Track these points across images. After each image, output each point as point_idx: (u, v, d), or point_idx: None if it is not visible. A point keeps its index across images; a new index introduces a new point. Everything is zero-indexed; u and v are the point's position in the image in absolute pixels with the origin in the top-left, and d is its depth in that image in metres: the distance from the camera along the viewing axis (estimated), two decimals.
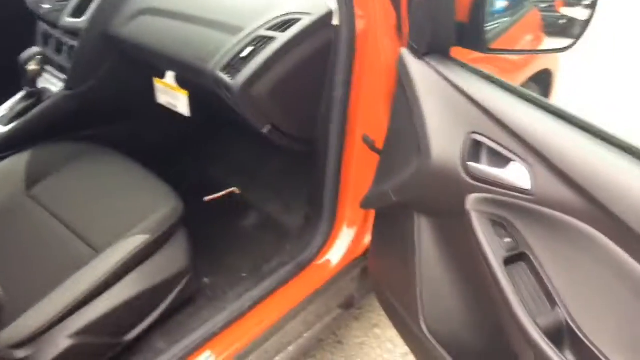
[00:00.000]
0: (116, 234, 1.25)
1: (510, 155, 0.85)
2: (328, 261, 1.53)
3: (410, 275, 1.14)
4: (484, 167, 0.90)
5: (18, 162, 1.44)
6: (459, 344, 1.09)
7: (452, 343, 1.10)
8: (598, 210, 0.75)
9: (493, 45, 1.13)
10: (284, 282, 1.44)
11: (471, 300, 1.04)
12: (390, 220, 1.22)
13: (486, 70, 0.96)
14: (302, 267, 1.48)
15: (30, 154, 1.46)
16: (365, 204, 1.25)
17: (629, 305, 0.76)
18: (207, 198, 1.87)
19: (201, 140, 2.00)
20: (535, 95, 0.87)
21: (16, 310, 1.13)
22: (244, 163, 1.98)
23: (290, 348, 1.43)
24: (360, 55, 1.25)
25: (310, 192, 1.56)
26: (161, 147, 1.81)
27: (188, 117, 1.51)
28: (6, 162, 1.46)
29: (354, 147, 1.39)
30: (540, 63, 1.66)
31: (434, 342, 1.11)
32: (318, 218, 1.52)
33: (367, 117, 1.33)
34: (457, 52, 1.01)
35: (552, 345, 0.80)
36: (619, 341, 0.77)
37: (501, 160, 0.87)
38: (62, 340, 1.12)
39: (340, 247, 1.54)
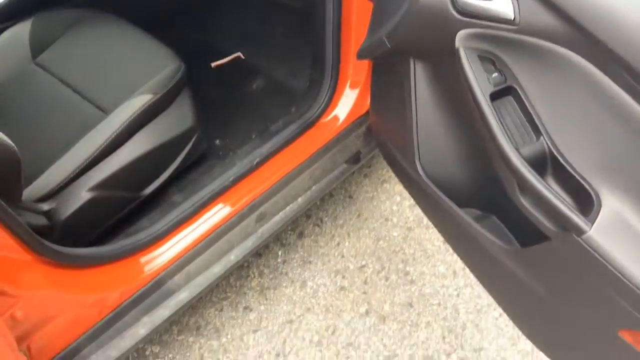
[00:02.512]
0: (122, 95, 1.29)
1: None
2: (333, 119, 1.56)
3: (407, 121, 1.16)
4: (473, 1, 0.87)
5: (21, 32, 1.46)
6: (452, 182, 1.14)
7: (446, 182, 1.15)
8: (578, 33, 0.74)
9: None
10: (290, 140, 1.49)
11: (463, 139, 1.08)
12: (386, 69, 1.23)
13: None
14: (307, 125, 1.52)
15: (32, 22, 1.47)
16: (362, 54, 1.24)
17: (607, 127, 0.78)
18: (213, 64, 1.88)
19: (204, 6, 1.96)
20: None
21: (36, 170, 1.22)
22: (247, 28, 1.95)
23: (300, 200, 1.52)
24: None
25: (312, 53, 1.55)
26: (162, 12, 1.79)
27: None
28: (8, 32, 1.47)
29: (352, 0, 1.36)
30: None
31: (429, 182, 1.17)
32: (321, 78, 1.53)
33: None
34: None
35: (533, 172, 0.84)
36: (598, 164, 0.81)
37: None
38: (83, 193, 1.22)
39: (344, 105, 1.56)
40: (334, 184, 1.63)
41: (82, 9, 1.52)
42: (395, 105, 1.21)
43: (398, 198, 1.84)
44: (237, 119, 1.70)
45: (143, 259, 1.22)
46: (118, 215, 1.32)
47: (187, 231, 1.27)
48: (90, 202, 1.21)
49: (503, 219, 1.05)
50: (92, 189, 1.22)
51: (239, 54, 1.90)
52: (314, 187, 1.54)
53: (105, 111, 1.30)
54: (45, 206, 1.18)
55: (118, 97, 1.30)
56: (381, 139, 1.41)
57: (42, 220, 1.16)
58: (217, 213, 1.31)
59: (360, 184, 1.91)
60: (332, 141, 1.55)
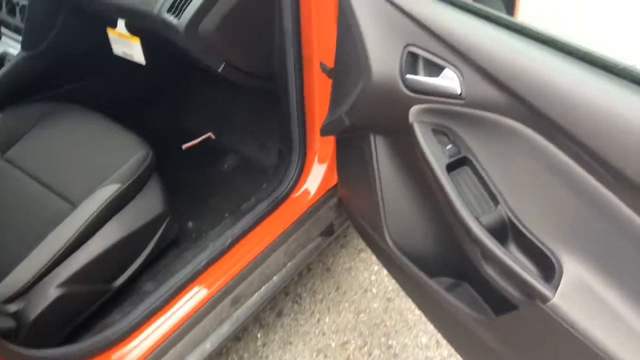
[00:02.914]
0: (91, 187, 1.29)
1: (442, 62, 0.87)
2: (304, 193, 1.57)
3: (373, 194, 1.18)
4: (420, 78, 0.91)
5: None
6: (422, 252, 1.14)
7: (416, 252, 1.15)
8: (521, 105, 0.77)
9: None
10: (262, 217, 1.49)
11: (428, 209, 1.09)
12: (350, 144, 1.25)
13: None
14: (279, 201, 1.53)
15: (1, 118, 1.49)
16: (324, 132, 1.28)
17: (559, 194, 0.80)
18: (184, 146, 1.90)
19: (171, 89, 2.01)
20: (462, 1, 0.88)
21: (3, 268, 1.19)
22: (216, 108, 2.00)
23: (275, 278, 1.50)
24: None
25: (280, 128, 1.58)
26: (131, 99, 1.82)
27: (153, 67, 1.51)
28: None
29: (314, 78, 1.40)
30: None
31: (399, 254, 1.17)
32: (289, 153, 1.55)
33: (323, 45, 1.33)
34: None
35: (494, 240, 0.84)
36: (557, 229, 0.82)
37: (435, 68, 0.89)
38: (51, 290, 1.19)
39: (314, 178, 1.58)
40: (309, 259, 1.62)
41: (50, 102, 1.55)
42: (361, 179, 1.23)
43: (376, 267, 1.83)
44: (210, 200, 1.71)
45: (114, 355, 1.18)
46: (89, 311, 1.29)
47: (159, 322, 1.24)
48: (59, 300, 1.18)
49: (475, 287, 1.05)
50: (61, 285, 1.19)
51: (210, 134, 1.94)
52: (289, 264, 1.53)
53: (73, 204, 1.30)
54: (12, 307, 1.15)
55: (86, 188, 1.30)
56: (351, 211, 1.42)
57: (9, 323, 1.13)
58: (190, 300, 1.28)
59: (338, 255, 1.90)
60: (305, 215, 1.55)
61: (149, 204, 1.36)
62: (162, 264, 1.44)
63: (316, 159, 1.57)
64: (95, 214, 1.25)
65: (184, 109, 1.99)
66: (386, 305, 1.73)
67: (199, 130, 1.93)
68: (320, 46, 1.33)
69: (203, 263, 1.36)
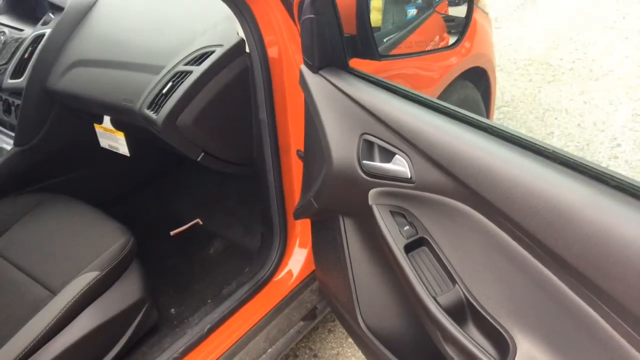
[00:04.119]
0: (71, 275, 1.32)
1: (393, 149, 0.92)
2: (286, 276, 1.58)
3: (345, 277, 1.19)
4: (375, 164, 0.96)
5: None
6: (396, 335, 1.14)
7: (390, 336, 1.15)
8: (464, 188, 0.81)
9: (394, 52, 1.21)
10: (243, 302, 1.49)
11: (396, 292, 1.10)
12: (321, 227, 1.29)
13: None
14: (260, 285, 1.54)
15: None
16: (297, 215, 1.32)
17: (508, 274, 0.81)
18: (172, 232, 1.94)
19: (158, 177, 2.08)
20: (412, 92, 0.94)
21: None
22: (204, 193, 2.06)
23: None
24: (278, 77, 1.33)
25: (261, 213, 1.63)
26: (119, 188, 1.89)
27: (138, 158, 1.59)
28: None
29: (291, 164, 1.46)
30: (465, 63, 1.74)
31: (372, 338, 1.16)
32: (271, 236, 1.58)
33: (299, 134, 1.40)
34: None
35: (453, 323, 0.85)
36: (509, 308, 0.83)
37: (388, 155, 0.94)
38: None
39: (296, 262, 1.59)
40: (291, 344, 1.59)
41: (40, 193, 1.61)
42: (333, 261, 1.25)
43: None
44: (194, 285, 1.72)
45: None
46: None
47: None
48: None
49: None
50: None
51: (198, 220, 1.98)
52: (269, 350, 1.51)
53: (54, 292, 1.32)
54: None
55: (67, 277, 1.32)
56: (327, 294, 1.42)
57: None
58: None
59: (325, 340, 1.87)
60: (286, 299, 1.55)
61: (127, 291, 1.37)
62: (140, 352, 1.43)
63: (297, 243, 1.60)
64: (73, 301, 1.26)
65: (172, 196, 2.05)
66: None
67: (188, 216, 1.97)
68: (296, 135, 1.40)
69: (181, 350, 1.35)
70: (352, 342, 1.84)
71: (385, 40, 1.26)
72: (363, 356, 1.79)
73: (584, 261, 0.65)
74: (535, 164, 0.74)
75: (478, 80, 1.94)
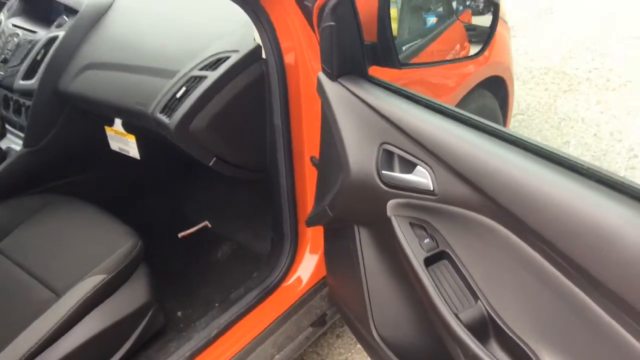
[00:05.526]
0: (77, 278, 1.30)
1: (415, 160, 0.90)
2: (295, 282, 1.56)
3: (358, 286, 1.17)
4: (395, 174, 0.94)
5: None
6: (408, 347, 1.12)
7: (402, 347, 1.12)
8: (491, 203, 0.78)
9: (415, 60, 1.18)
10: (251, 307, 1.47)
11: (412, 303, 1.07)
12: (335, 235, 1.26)
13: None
14: (269, 290, 1.51)
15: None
16: (310, 222, 1.29)
17: (535, 290, 0.79)
18: (181, 234, 1.92)
19: (168, 180, 2.06)
20: (433, 101, 0.92)
21: None
22: (214, 197, 2.04)
23: None
24: (294, 83, 1.31)
25: (272, 218, 1.60)
26: (129, 190, 1.87)
27: (149, 161, 1.57)
28: None
29: (305, 170, 1.44)
30: (483, 71, 1.71)
31: (385, 348, 1.14)
32: (281, 242, 1.56)
33: (313, 140, 1.38)
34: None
35: (475, 340, 0.83)
36: (534, 325, 0.80)
37: (409, 165, 0.92)
38: None
39: (306, 268, 1.57)
40: (299, 351, 1.57)
41: (49, 194, 1.59)
42: (347, 270, 1.23)
43: None
44: (202, 289, 1.70)
45: None
46: None
47: None
48: None
49: None
50: None
51: (206, 222, 1.96)
52: (277, 356, 1.49)
53: (58, 294, 1.30)
54: None
55: (72, 279, 1.30)
56: (338, 301, 1.40)
57: None
58: None
59: (333, 345, 1.84)
60: (296, 305, 1.52)
61: (133, 294, 1.35)
62: (145, 355, 1.41)
63: (308, 248, 1.58)
64: (78, 304, 1.24)
65: (182, 199, 2.03)
66: None
67: (196, 219, 1.96)
68: (310, 141, 1.38)
69: (186, 355, 1.33)
70: (361, 348, 1.82)
71: (403, 48, 1.24)
72: None
73: (625, 286, 0.62)
74: (567, 180, 0.71)
75: (496, 89, 1.91)
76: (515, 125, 2.71)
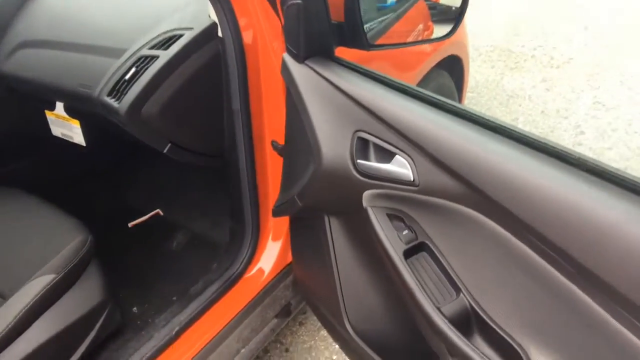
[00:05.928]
0: (23, 278, 1.19)
1: (393, 149, 0.86)
2: (258, 273, 1.51)
3: (330, 278, 1.13)
4: (372, 164, 0.90)
5: None
6: (383, 340, 1.09)
7: (377, 340, 1.10)
8: (475, 193, 0.75)
9: (379, 41, 1.14)
10: (213, 301, 1.40)
11: (387, 296, 1.04)
12: (303, 225, 1.22)
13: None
14: (230, 283, 1.45)
15: None
16: (276, 213, 1.24)
17: (521, 284, 0.77)
18: (131, 224, 1.82)
19: (115, 167, 1.94)
20: (410, 86, 0.88)
21: None
22: (164, 184, 1.94)
23: None
24: (252, 63, 1.24)
25: (232, 206, 1.53)
26: (73, 178, 1.74)
27: (95, 147, 1.45)
28: None
29: (265, 155, 1.37)
30: (442, 51, 1.69)
31: (359, 342, 1.11)
32: (242, 231, 1.49)
33: (274, 124, 1.31)
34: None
35: (459, 334, 0.80)
36: (522, 320, 0.78)
37: (386, 155, 0.87)
38: None
39: (269, 257, 1.52)
40: (265, 342, 1.53)
41: None
42: (317, 261, 1.19)
43: (337, 346, 1.75)
44: (157, 282, 1.61)
45: None
46: None
47: None
48: None
49: None
50: None
51: (158, 210, 1.86)
52: (243, 350, 1.44)
53: (4, 297, 1.18)
54: None
55: (18, 280, 1.19)
56: (307, 293, 1.36)
57: None
58: None
59: (296, 333, 1.81)
60: (259, 296, 1.47)
61: (86, 294, 1.25)
62: (102, 357, 1.32)
63: (270, 236, 1.52)
64: (27, 308, 1.14)
65: (130, 186, 1.92)
66: None
67: (147, 208, 1.85)
68: (271, 125, 1.31)
69: (148, 355, 1.26)
70: (325, 334, 1.80)
71: (365, 27, 1.18)
72: (337, 348, 1.75)
73: (623, 279, 0.61)
74: (556, 170, 0.69)
75: (452, 68, 1.90)
76: (465, 103, 2.74)
